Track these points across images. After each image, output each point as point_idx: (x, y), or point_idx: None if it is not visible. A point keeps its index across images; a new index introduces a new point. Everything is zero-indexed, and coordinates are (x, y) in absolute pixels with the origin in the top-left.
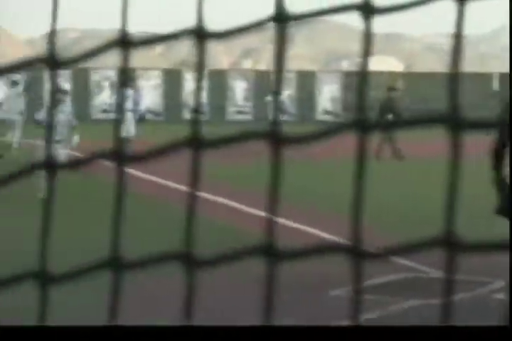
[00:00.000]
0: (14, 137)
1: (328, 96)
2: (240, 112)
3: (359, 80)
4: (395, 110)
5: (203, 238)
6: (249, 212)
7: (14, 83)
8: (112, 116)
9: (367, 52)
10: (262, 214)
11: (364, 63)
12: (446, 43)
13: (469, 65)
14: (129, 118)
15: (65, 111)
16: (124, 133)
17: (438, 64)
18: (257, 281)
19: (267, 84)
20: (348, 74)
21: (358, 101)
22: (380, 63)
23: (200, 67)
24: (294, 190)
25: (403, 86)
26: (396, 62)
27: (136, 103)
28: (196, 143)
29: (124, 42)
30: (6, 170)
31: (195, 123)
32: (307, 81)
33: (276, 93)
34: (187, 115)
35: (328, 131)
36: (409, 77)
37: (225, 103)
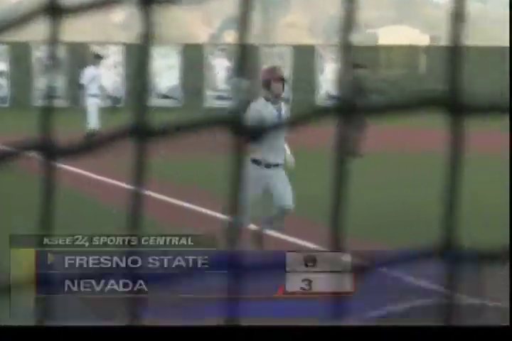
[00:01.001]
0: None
1: (331, 76)
2: (220, 97)
3: (343, 56)
4: (362, 92)
5: None
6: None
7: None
8: (61, 102)
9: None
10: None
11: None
12: (473, 12)
13: None
14: (91, 105)
15: None
16: (87, 125)
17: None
18: None
19: (254, 61)
20: (358, 50)
21: (352, 83)
22: (398, 35)
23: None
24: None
25: (425, 62)
26: (419, 34)
27: (100, 86)
28: (139, 132)
29: (54, 8)
30: None
31: (139, 108)
32: (305, 57)
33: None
34: (154, 101)
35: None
36: (434, 51)
37: (203, 86)
